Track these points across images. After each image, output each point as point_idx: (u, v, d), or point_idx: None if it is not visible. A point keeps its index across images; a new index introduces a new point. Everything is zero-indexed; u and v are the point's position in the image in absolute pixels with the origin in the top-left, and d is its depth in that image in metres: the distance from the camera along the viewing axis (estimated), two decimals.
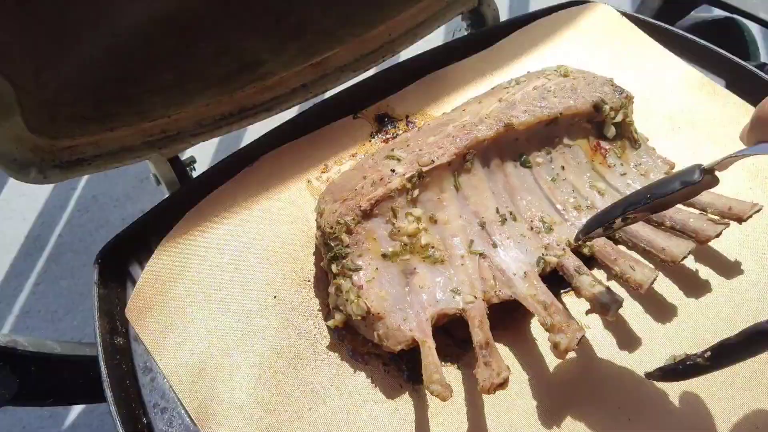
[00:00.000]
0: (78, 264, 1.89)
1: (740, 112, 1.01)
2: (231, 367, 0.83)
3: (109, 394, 0.81)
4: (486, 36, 1.16)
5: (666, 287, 0.86)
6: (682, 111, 1.04)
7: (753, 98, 1.01)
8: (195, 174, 1.12)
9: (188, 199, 0.99)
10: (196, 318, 0.88)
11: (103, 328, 0.87)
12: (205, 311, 0.88)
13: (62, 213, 2.00)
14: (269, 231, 0.96)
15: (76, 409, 1.65)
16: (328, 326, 0.85)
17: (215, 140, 2.03)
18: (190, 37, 0.97)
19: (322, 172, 1.02)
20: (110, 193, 2.01)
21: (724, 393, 0.77)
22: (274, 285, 0.90)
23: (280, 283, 0.90)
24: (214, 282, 0.91)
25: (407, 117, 1.07)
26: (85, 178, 2.07)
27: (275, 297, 0.89)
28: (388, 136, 1.05)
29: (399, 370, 0.82)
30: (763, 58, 1.26)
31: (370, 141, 1.05)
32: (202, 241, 0.95)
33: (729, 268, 0.87)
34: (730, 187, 0.90)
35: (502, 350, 0.82)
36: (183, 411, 0.81)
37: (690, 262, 0.87)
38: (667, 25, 1.13)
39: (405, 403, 0.79)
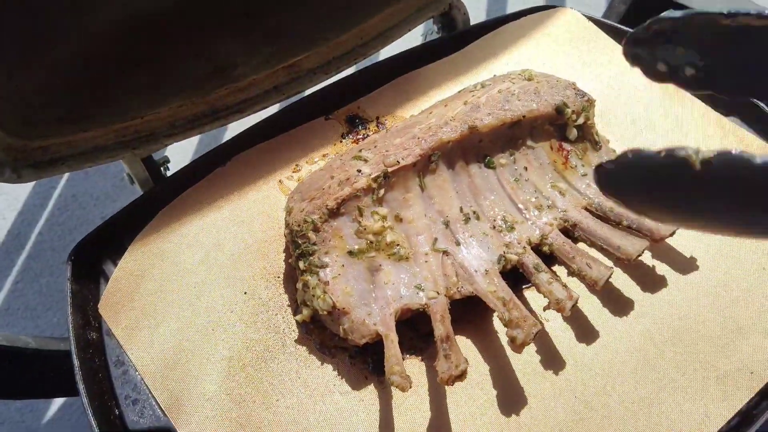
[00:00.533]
0: (57, 262, 1.90)
1: (702, 113, 1.05)
2: (201, 360, 0.86)
3: (81, 387, 0.83)
4: (456, 40, 1.19)
5: (623, 282, 0.89)
6: (644, 114, 1.07)
7: (714, 100, 1.04)
8: (169, 174, 1.13)
9: (161, 198, 1.01)
10: (168, 313, 0.90)
11: (76, 323, 0.89)
12: (177, 306, 0.91)
13: (42, 211, 2.01)
14: (240, 229, 0.98)
15: (56, 403, 1.66)
16: (296, 321, 0.88)
17: (194, 140, 2.05)
18: (164, 39, 0.99)
19: (294, 172, 1.04)
20: (90, 192, 2.02)
21: (678, 383, 0.80)
22: (245, 281, 0.92)
23: (251, 279, 0.93)
24: (186, 278, 0.93)
25: (378, 118, 1.10)
26: (65, 176, 2.08)
27: (245, 293, 0.91)
28: (358, 137, 1.07)
29: (364, 362, 0.85)
30: None
31: (341, 141, 1.08)
32: (174, 239, 0.97)
33: (684, 264, 0.90)
34: None
35: (465, 342, 0.85)
36: (154, 402, 0.84)
37: (647, 259, 0.91)
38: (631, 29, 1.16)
39: (370, 393, 0.82)
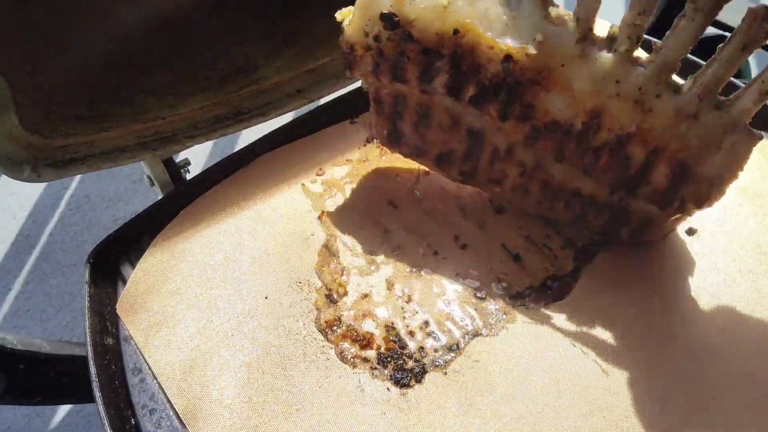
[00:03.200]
0: (68, 263, 1.88)
1: None
2: (220, 365, 0.83)
3: (98, 394, 0.81)
4: None
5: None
6: None
7: None
8: (189, 176, 1.12)
9: (181, 201, 1.00)
10: (187, 316, 0.88)
11: (93, 328, 0.87)
12: (196, 310, 0.89)
13: (54, 212, 2.00)
14: (263, 232, 0.96)
15: (62, 410, 1.64)
16: (317, 328, 0.86)
17: (210, 144, 2.04)
18: (186, 40, 0.98)
19: (317, 175, 1.02)
20: (103, 194, 2.01)
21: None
22: (266, 285, 0.90)
23: (272, 283, 0.91)
24: (206, 281, 0.91)
25: None
26: (77, 177, 2.07)
27: (266, 297, 0.89)
28: None
29: (387, 374, 0.82)
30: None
31: (365, 146, 1.06)
32: (195, 240, 0.96)
33: None
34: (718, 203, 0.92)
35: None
36: (172, 413, 0.81)
37: None
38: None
39: (392, 407, 0.80)
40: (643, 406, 0.77)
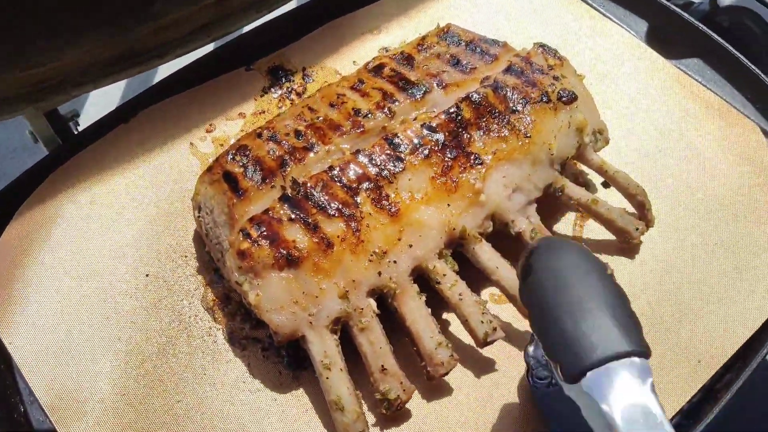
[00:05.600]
0: None
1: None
2: (93, 353, 0.76)
3: None
4: None
5: None
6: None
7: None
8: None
9: (70, 158, 0.89)
10: (56, 296, 0.79)
11: None
12: (66, 288, 0.80)
13: None
14: (145, 198, 0.87)
15: None
16: (203, 308, 0.78)
17: (120, 89, 1.87)
18: None
19: (207, 132, 0.92)
20: (6, 144, 1.85)
21: None
22: (147, 261, 0.82)
23: (155, 258, 0.82)
24: (78, 255, 0.82)
25: (304, 70, 0.98)
26: None
27: (147, 275, 0.81)
28: (282, 92, 0.95)
29: (278, 356, 0.76)
30: None
31: (261, 96, 0.96)
32: (66, 208, 0.86)
33: None
34: (644, 149, 0.90)
35: None
36: (37, 405, 0.73)
37: None
38: None
39: (285, 391, 0.74)
40: None
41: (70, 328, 0.77)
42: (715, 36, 0.94)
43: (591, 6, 1.02)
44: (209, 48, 1.00)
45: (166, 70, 0.99)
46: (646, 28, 1.01)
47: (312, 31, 1.01)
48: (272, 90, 0.96)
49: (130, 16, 0.90)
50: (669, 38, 0.98)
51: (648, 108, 0.93)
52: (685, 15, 0.96)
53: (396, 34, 1.01)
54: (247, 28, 1.01)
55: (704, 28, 0.95)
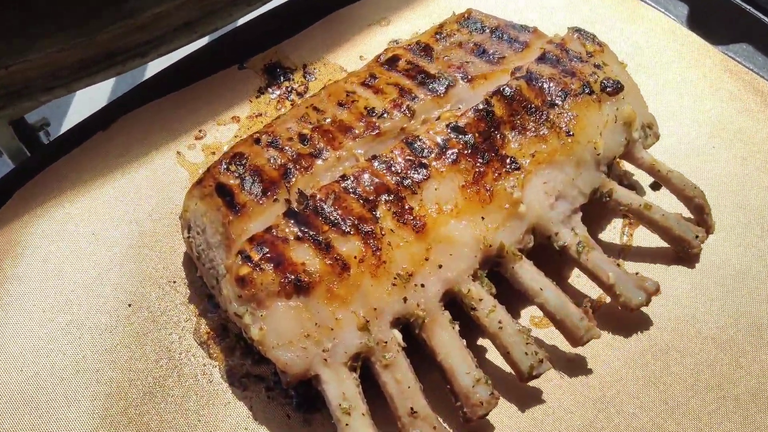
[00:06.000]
0: None
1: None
2: (68, 398, 0.67)
3: None
4: None
5: None
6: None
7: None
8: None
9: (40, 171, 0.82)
10: (23, 332, 0.71)
11: None
12: (36, 323, 0.71)
13: None
14: (126, 216, 0.79)
15: None
16: (196, 341, 0.68)
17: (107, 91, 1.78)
18: None
19: (197, 139, 0.85)
20: None
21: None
22: (130, 288, 0.74)
23: (138, 285, 0.74)
24: (50, 284, 0.74)
25: (305, 67, 0.90)
26: None
27: (130, 305, 0.72)
28: (280, 92, 0.87)
29: (286, 396, 0.67)
30: None
31: (257, 98, 0.88)
32: (36, 229, 0.78)
33: None
34: (694, 146, 0.81)
35: None
36: None
37: None
38: None
39: None
40: None
41: (39, 370, 0.69)
42: (766, 18, 0.85)
43: None
44: (200, 43, 0.92)
45: (155, 67, 0.92)
46: (686, 11, 0.92)
47: (312, 24, 0.94)
48: (269, 90, 0.89)
49: (100, 16, 0.86)
50: (713, 22, 0.90)
51: (696, 99, 0.85)
52: None
53: (406, 25, 0.93)
54: (239, 22, 0.93)
55: (752, 9, 0.86)
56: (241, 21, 0.93)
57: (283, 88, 0.88)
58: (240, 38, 0.92)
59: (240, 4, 0.93)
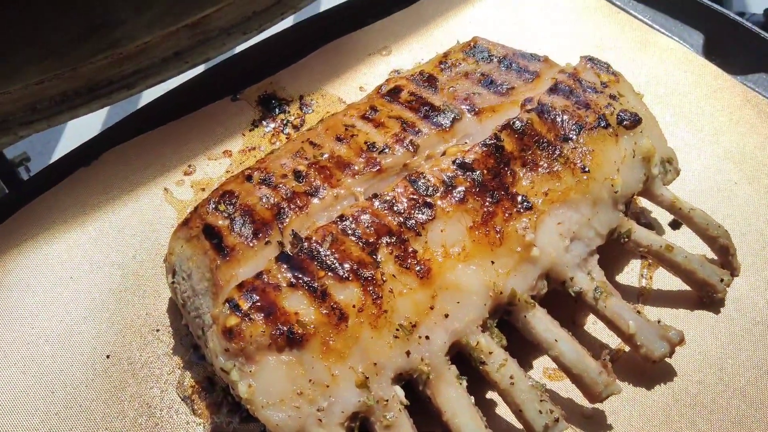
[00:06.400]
0: None
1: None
2: None
3: None
4: None
5: None
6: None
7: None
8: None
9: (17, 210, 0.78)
10: None
11: None
12: (5, 378, 0.66)
13: None
14: (108, 258, 0.74)
15: None
16: (179, 397, 0.64)
17: (101, 121, 1.75)
18: None
19: (186, 175, 0.81)
20: None
21: None
22: (109, 338, 0.69)
23: (118, 334, 0.69)
24: (21, 333, 0.69)
25: (301, 98, 0.87)
26: None
27: (108, 356, 0.67)
28: (275, 124, 0.83)
29: None
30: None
31: (251, 131, 0.84)
32: (9, 272, 0.73)
33: None
34: (715, 181, 0.77)
35: None
36: None
37: None
38: None
39: None
40: None
41: (7, 430, 0.63)
42: None
43: (634, 16, 0.90)
44: (191, 73, 0.89)
45: (149, 96, 0.90)
46: (702, 40, 0.88)
47: (310, 54, 0.91)
48: (264, 123, 0.86)
49: (83, 45, 0.83)
50: (729, 50, 0.86)
51: (715, 132, 0.80)
52: (747, 24, 0.84)
53: (409, 54, 0.91)
54: (232, 51, 0.90)
55: None
56: (236, 50, 0.90)
57: (279, 121, 0.84)
58: (234, 68, 0.90)
59: (234, 33, 0.90)
